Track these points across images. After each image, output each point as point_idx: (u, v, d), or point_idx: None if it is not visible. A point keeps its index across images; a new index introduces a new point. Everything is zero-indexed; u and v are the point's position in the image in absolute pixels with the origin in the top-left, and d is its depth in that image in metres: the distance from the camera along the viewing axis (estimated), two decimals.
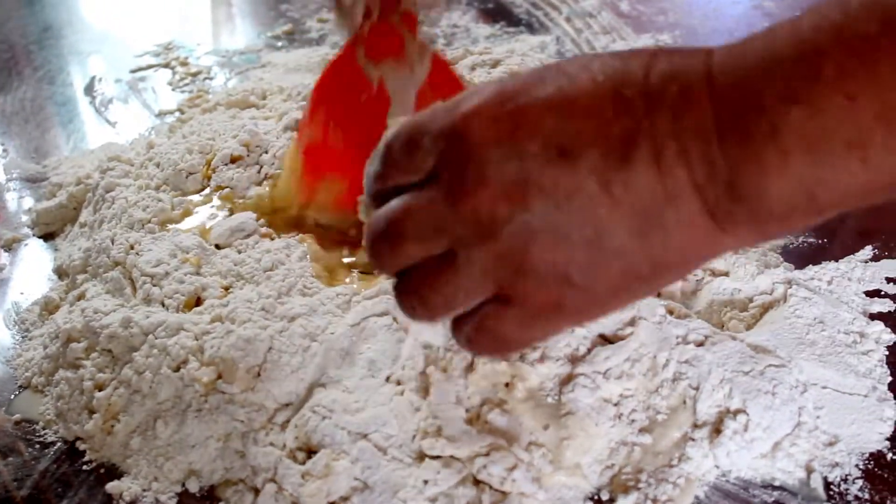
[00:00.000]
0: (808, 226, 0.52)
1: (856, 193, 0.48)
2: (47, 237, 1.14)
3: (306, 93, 1.17)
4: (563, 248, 0.52)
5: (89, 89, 1.45)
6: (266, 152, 1.08)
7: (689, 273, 0.54)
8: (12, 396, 0.91)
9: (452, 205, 0.54)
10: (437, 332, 0.81)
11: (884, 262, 0.96)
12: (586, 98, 0.52)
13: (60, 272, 1.06)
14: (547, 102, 0.53)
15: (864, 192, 0.48)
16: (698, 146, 0.50)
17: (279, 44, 1.56)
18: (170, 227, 0.99)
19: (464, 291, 0.56)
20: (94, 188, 1.10)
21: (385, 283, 0.86)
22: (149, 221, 0.99)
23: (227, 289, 0.90)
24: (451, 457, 0.75)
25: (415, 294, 0.58)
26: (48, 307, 0.99)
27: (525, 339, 0.59)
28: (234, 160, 1.07)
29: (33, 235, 1.14)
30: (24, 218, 1.17)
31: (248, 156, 1.08)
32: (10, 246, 1.12)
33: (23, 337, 0.98)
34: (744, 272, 0.93)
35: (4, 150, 1.30)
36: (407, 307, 0.59)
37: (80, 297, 0.95)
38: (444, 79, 0.98)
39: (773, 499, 0.76)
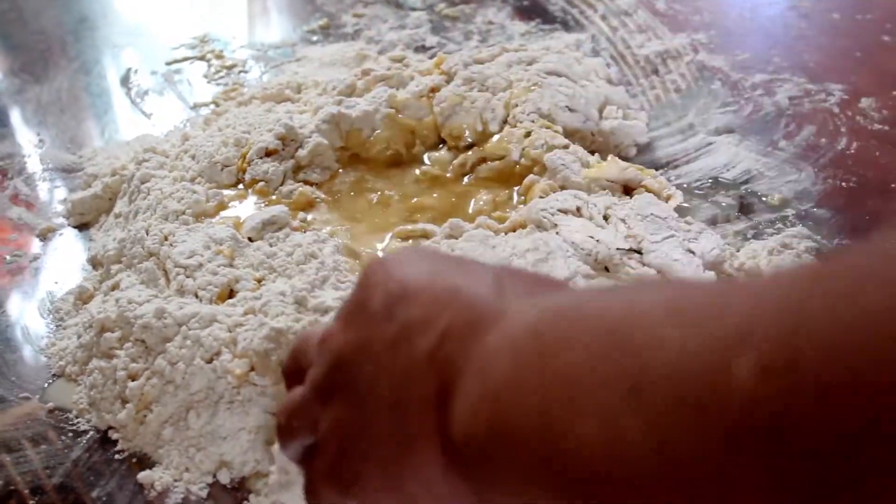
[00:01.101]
0: None
1: None
2: (82, 227, 1.15)
3: (341, 87, 1.18)
4: (350, 446, 0.59)
5: (125, 81, 1.46)
6: (301, 146, 1.09)
7: None
8: (46, 385, 0.92)
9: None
10: None
11: None
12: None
13: (95, 262, 1.07)
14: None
15: None
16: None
17: (314, 38, 1.56)
18: (204, 219, 1.00)
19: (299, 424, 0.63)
20: (129, 179, 1.11)
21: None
22: (183, 213, 0.99)
23: (259, 281, 0.90)
24: None
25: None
26: (82, 297, 1.00)
27: (320, 493, 0.63)
28: (269, 153, 1.08)
29: (68, 225, 1.15)
30: (59, 208, 1.17)
31: (283, 150, 1.08)
32: (45, 235, 1.13)
33: (57, 326, 0.99)
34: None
35: (41, 141, 1.30)
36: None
37: (115, 287, 0.96)
38: None
39: None
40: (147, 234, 0.97)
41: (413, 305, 0.57)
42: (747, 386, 0.36)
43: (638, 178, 1.04)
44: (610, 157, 1.07)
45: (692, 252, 0.93)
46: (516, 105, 1.14)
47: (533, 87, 1.17)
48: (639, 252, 0.92)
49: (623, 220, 0.95)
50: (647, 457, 0.40)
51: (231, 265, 0.92)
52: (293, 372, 0.67)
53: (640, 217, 0.95)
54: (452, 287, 0.57)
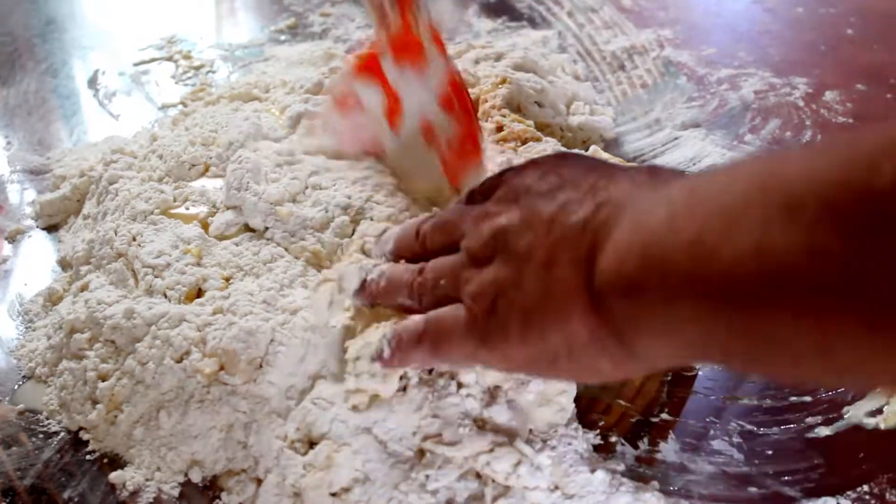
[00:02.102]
0: (655, 346, 0.61)
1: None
2: (51, 229, 1.14)
3: (308, 86, 1.17)
4: (506, 292, 0.67)
5: (92, 82, 1.45)
6: None
7: (580, 362, 0.65)
8: (16, 387, 0.92)
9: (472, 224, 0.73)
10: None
11: None
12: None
13: (64, 263, 1.07)
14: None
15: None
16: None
17: (282, 38, 1.56)
18: (172, 211, 1.00)
19: (446, 283, 0.73)
20: (97, 180, 1.10)
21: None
22: (151, 213, 0.99)
23: (227, 280, 0.90)
24: None
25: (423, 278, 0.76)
26: (51, 298, 1.00)
27: (453, 343, 0.71)
28: None
29: (37, 227, 1.15)
30: (28, 210, 1.17)
31: None
32: (14, 237, 1.13)
33: (26, 328, 0.99)
34: None
35: (8, 143, 1.30)
36: (410, 290, 0.77)
37: (84, 288, 0.95)
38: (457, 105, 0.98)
39: None
40: (115, 235, 0.96)
41: (572, 190, 0.66)
42: (889, 188, 0.42)
43: None
44: (593, 148, 1.07)
45: None
46: (486, 100, 1.14)
47: (502, 83, 1.16)
48: None
49: None
50: (799, 261, 0.46)
51: (199, 264, 0.92)
52: (406, 246, 0.82)
53: None
54: (607, 175, 0.67)
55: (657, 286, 0.55)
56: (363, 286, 0.81)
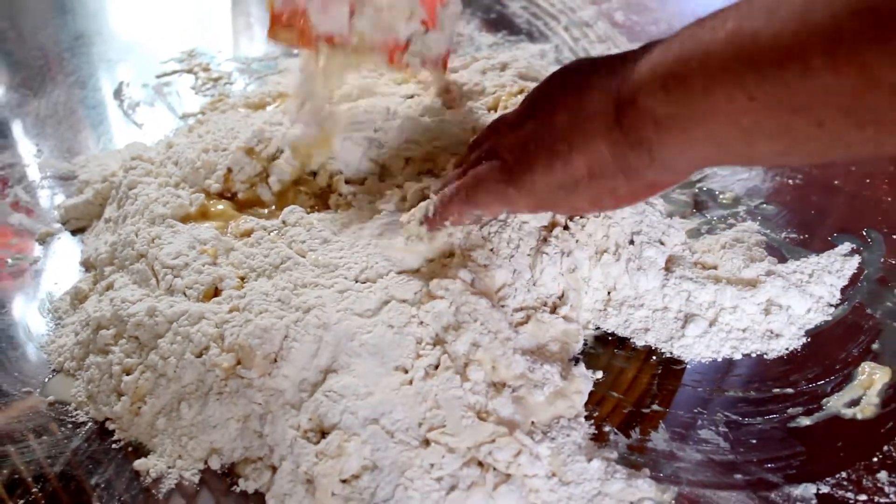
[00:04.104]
0: (676, 153, 0.65)
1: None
2: (78, 231, 1.14)
3: None
4: (533, 138, 0.75)
5: (118, 93, 1.45)
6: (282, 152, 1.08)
7: (602, 187, 0.72)
8: (46, 380, 0.92)
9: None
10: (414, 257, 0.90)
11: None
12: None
13: (87, 265, 1.07)
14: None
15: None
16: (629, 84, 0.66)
17: (295, 52, 1.56)
18: (188, 222, 1.00)
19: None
20: (117, 186, 1.10)
21: (388, 279, 0.87)
22: (169, 217, 0.99)
23: (242, 279, 0.90)
24: None
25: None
26: (78, 297, 1.00)
27: (488, 189, 0.79)
28: (248, 153, 1.08)
29: (65, 230, 1.15)
30: (55, 214, 1.17)
31: (261, 150, 1.08)
32: (44, 240, 1.13)
33: (56, 324, 0.99)
34: (731, 265, 0.94)
35: (39, 151, 1.30)
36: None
37: (109, 287, 0.95)
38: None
39: None
40: (136, 237, 0.97)
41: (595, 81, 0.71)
42: None
43: None
44: None
45: (662, 243, 0.94)
46: (507, 107, 1.13)
47: (520, 93, 1.16)
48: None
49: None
50: (841, 20, 0.48)
51: (215, 263, 0.92)
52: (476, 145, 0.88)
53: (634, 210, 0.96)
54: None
55: (698, 73, 0.57)
56: (426, 217, 0.87)
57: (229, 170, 1.06)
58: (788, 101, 0.53)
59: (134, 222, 1.00)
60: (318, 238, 0.94)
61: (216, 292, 0.90)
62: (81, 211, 1.16)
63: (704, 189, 1.11)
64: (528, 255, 0.90)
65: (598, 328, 0.92)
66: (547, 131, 0.73)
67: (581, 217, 0.93)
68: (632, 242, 0.93)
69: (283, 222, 0.97)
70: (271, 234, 0.96)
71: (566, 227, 0.93)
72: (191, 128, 1.24)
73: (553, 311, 0.90)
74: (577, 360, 0.88)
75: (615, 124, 0.67)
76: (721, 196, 1.09)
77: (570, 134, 0.71)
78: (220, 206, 1.03)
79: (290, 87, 1.31)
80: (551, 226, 0.93)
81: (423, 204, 0.87)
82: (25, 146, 1.32)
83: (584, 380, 0.84)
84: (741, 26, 0.54)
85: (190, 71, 1.51)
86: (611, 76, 0.69)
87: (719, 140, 0.59)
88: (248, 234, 0.97)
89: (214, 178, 1.06)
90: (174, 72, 1.51)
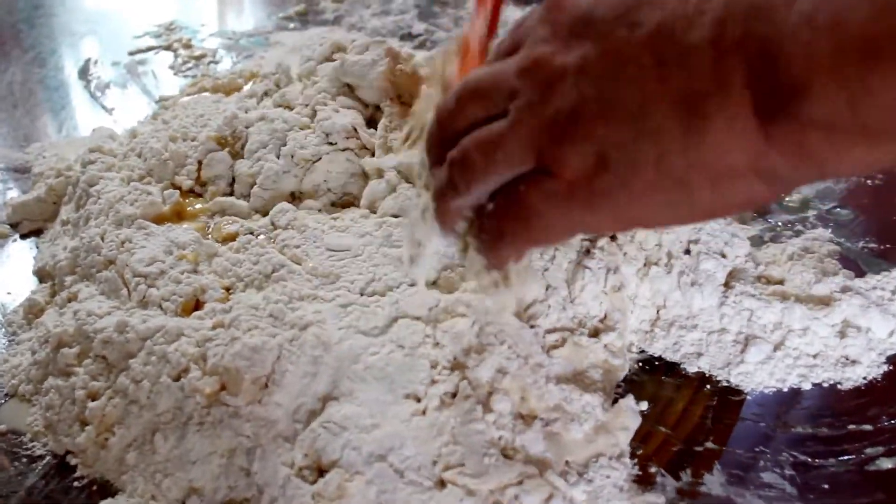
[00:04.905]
0: (855, 161, 0.54)
1: None
2: (34, 233, 1.14)
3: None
4: (607, 120, 0.59)
5: (84, 73, 1.46)
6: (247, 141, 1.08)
7: (725, 196, 0.56)
8: None
9: (517, 66, 0.63)
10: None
11: None
12: None
13: (42, 274, 1.07)
14: None
15: None
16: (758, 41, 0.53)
17: (291, 25, 1.56)
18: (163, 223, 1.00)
19: (505, 154, 0.63)
20: (74, 183, 1.10)
21: (398, 292, 0.86)
22: (139, 217, 0.98)
23: (228, 290, 0.90)
24: None
25: (460, 157, 0.65)
26: (32, 310, 1.00)
27: (548, 221, 0.64)
28: (219, 143, 1.07)
29: (15, 233, 1.15)
30: (2, 214, 1.17)
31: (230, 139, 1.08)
32: None
33: (9, 341, 0.99)
34: (800, 280, 0.93)
35: None
36: (450, 179, 0.67)
37: (72, 298, 0.95)
38: None
39: None
40: (103, 241, 0.97)
41: (659, 7, 0.57)
42: None
43: None
44: None
45: (723, 255, 0.94)
46: None
47: None
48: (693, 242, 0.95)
49: None
50: None
51: (195, 272, 0.92)
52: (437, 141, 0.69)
53: None
54: None
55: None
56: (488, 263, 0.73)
57: (200, 163, 1.06)
58: None
59: (98, 224, 1.00)
60: (315, 242, 0.93)
61: (197, 305, 0.89)
62: (32, 210, 1.16)
63: None
64: (566, 269, 0.90)
65: (642, 351, 0.92)
66: (625, 118, 0.59)
67: None
68: (688, 252, 0.92)
69: (273, 224, 0.97)
70: (259, 237, 0.96)
71: (613, 238, 0.92)
72: (155, 115, 1.24)
73: (594, 335, 0.89)
74: (620, 390, 0.88)
75: (760, 118, 0.55)
76: (787, 198, 1.09)
77: (669, 122, 0.57)
78: (198, 205, 1.03)
79: (269, 65, 1.31)
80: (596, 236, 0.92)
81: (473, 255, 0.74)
82: None
83: (632, 414, 0.83)
84: None
85: (168, 47, 1.52)
86: (711, 44, 0.55)
87: None
88: (231, 237, 0.96)
89: (186, 172, 1.06)
90: (150, 48, 1.52)
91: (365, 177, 1.03)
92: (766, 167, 0.57)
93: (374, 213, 0.97)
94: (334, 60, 1.13)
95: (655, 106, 0.57)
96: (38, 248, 1.12)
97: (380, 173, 1.01)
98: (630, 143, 0.59)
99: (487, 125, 0.64)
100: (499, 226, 0.67)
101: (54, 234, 1.10)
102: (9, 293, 1.05)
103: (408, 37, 1.49)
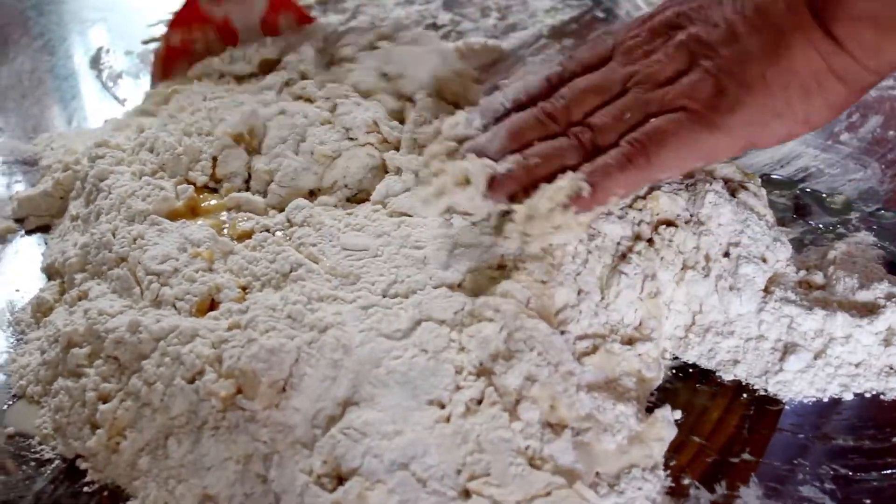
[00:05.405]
0: None
1: None
2: (44, 228, 1.14)
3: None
4: (716, 57, 0.86)
5: (95, 62, 1.46)
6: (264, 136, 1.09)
7: (815, 101, 0.84)
8: (4, 407, 0.91)
9: (626, 55, 0.92)
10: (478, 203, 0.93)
11: None
12: None
13: (51, 271, 1.06)
14: None
15: None
16: None
17: (312, 13, 1.56)
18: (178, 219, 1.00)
19: (628, 113, 0.89)
20: (83, 178, 1.10)
21: (422, 294, 0.87)
22: (151, 213, 0.99)
23: (244, 289, 0.90)
24: None
25: (586, 126, 0.91)
26: (41, 309, 1.00)
27: (679, 143, 0.86)
28: (236, 140, 1.08)
29: (21, 228, 1.14)
30: (8, 209, 1.17)
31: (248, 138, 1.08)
32: (4, 237, 1.13)
33: (17, 340, 0.99)
34: (842, 286, 0.93)
35: None
36: (578, 137, 0.90)
37: (82, 296, 0.95)
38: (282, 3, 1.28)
39: None
40: (114, 238, 0.97)
41: None
42: None
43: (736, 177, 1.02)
44: None
45: (765, 260, 0.94)
46: None
47: None
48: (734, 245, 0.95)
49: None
50: None
51: (211, 270, 0.92)
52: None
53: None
54: None
55: None
56: (495, 181, 0.91)
57: (215, 158, 1.07)
58: None
59: (109, 219, 1.00)
60: (332, 241, 0.94)
61: (212, 305, 0.90)
62: (38, 205, 1.15)
63: (808, 191, 1.10)
64: (599, 274, 0.90)
65: (675, 358, 0.92)
66: (731, 55, 0.85)
67: (669, 226, 0.93)
68: (727, 255, 0.92)
69: (289, 220, 0.97)
70: (275, 234, 0.96)
71: (650, 241, 0.92)
72: (152, 109, 1.23)
73: (628, 342, 0.89)
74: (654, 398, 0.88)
75: (815, 26, 0.81)
76: (828, 199, 1.09)
77: (765, 49, 0.83)
78: (213, 201, 1.03)
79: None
80: (633, 239, 0.92)
81: (562, 184, 0.88)
82: None
83: (668, 425, 0.83)
84: None
85: None
86: None
87: None
88: (247, 235, 0.97)
89: (200, 167, 1.06)
90: None
91: (384, 172, 1.04)
92: (840, 66, 0.81)
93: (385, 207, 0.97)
94: (377, 49, 1.13)
95: (749, 38, 0.84)
96: (46, 244, 1.11)
97: (398, 171, 1.01)
98: (738, 68, 0.84)
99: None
100: (626, 156, 0.87)
101: (63, 229, 1.10)
102: (17, 290, 1.05)
103: (432, 27, 1.48)
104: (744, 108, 0.84)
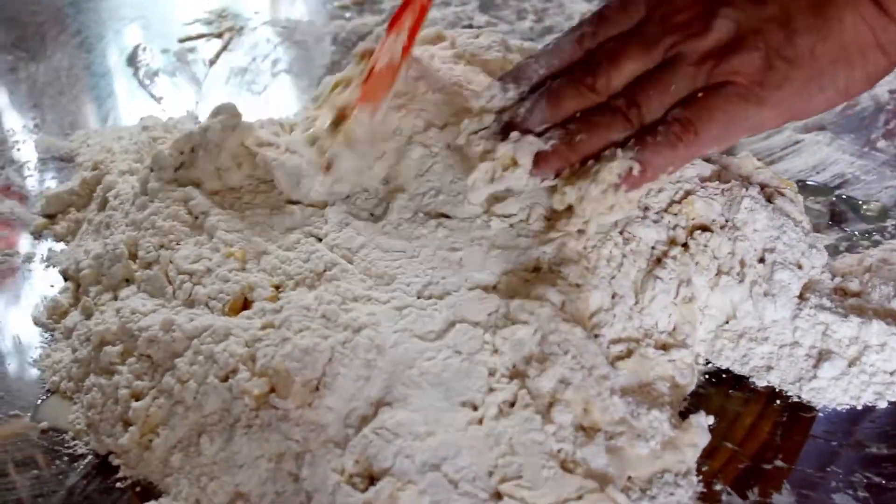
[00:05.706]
0: None
1: None
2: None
3: None
4: (764, 32, 0.85)
5: (132, 60, 1.46)
6: None
7: (857, 73, 0.86)
8: (38, 402, 0.92)
9: (664, 21, 0.89)
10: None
11: None
12: None
13: (67, 276, 1.06)
14: None
15: None
16: None
17: (347, 15, 1.57)
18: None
19: (674, 86, 0.88)
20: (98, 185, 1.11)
21: (457, 296, 0.86)
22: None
23: (277, 288, 0.90)
24: None
25: (631, 100, 0.89)
26: (56, 311, 1.01)
27: (728, 118, 0.87)
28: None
29: (54, 224, 1.14)
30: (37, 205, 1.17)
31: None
32: (40, 232, 1.13)
33: (51, 335, 0.99)
34: (878, 293, 0.93)
35: (36, 126, 1.31)
36: (623, 111, 0.89)
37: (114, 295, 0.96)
38: None
39: None
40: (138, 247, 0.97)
41: None
42: None
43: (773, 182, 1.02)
44: (745, 154, 1.06)
45: (800, 266, 0.93)
46: None
47: None
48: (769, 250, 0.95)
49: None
50: None
51: (243, 269, 0.92)
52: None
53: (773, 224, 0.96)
54: None
55: None
56: (541, 158, 0.90)
57: None
58: None
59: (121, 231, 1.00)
60: (366, 240, 0.94)
61: (245, 304, 0.90)
62: (64, 203, 1.16)
63: (844, 197, 1.10)
64: (633, 278, 0.90)
65: (708, 363, 0.92)
66: (780, 29, 0.85)
67: (705, 230, 0.93)
68: (762, 261, 0.92)
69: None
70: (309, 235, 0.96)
71: (685, 246, 0.92)
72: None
73: (662, 347, 0.89)
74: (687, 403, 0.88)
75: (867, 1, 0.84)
76: (864, 206, 1.08)
77: (815, 23, 0.84)
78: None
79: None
80: (668, 243, 0.92)
81: (615, 165, 0.87)
82: (19, 120, 1.33)
83: (702, 431, 0.83)
84: None
85: (219, 35, 1.52)
86: None
87: None
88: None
89: None
90: (200, 36, 1.52)
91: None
92: (886, 39, 0.84)
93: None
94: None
95: (798, 14, 0.84)
96: (66, 244, 1.11)
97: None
98: (787, 43, 0.85)
99: (652, 74, 0.89)
100: (676, 134, 0.87)
101: (82, 232, 1.10)
102: (52, 285, 1.05)
103: (468, 28, 1.48)
104: (791, 84, 0.85)
